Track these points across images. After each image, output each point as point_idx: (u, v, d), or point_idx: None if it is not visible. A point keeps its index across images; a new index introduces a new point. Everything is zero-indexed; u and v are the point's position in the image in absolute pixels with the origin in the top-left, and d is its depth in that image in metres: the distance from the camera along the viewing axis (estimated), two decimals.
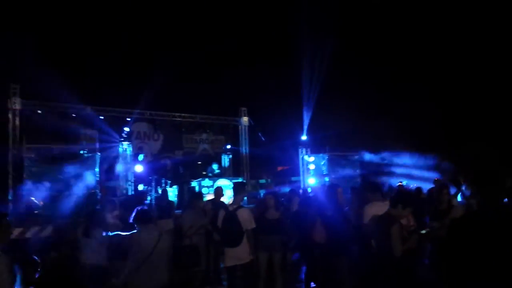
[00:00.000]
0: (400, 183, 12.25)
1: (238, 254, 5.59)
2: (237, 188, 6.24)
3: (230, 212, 5.72)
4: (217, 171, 14.82)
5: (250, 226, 5.64)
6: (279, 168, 19.38)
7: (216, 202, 7.99)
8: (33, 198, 10.96)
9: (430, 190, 8.16)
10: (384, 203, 5.28)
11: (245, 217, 5.65)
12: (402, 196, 4.70)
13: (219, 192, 8.24)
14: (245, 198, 6.61)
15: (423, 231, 4.65)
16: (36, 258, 5.05)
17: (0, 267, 3.24)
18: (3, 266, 3.26)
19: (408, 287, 4.31)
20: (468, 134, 18.55)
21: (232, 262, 5.63)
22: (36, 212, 10.97)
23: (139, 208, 4.49)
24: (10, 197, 11.49)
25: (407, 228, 4.52)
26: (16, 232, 8.93)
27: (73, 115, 14.36)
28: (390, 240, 4.19)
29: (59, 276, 5.72)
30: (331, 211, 5.53)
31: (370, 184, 6.07)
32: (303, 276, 7.19)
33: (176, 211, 10.22)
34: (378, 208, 5.02)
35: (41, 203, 11.15)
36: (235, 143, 17.23)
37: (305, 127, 16.49)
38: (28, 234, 9.40)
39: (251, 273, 6.04)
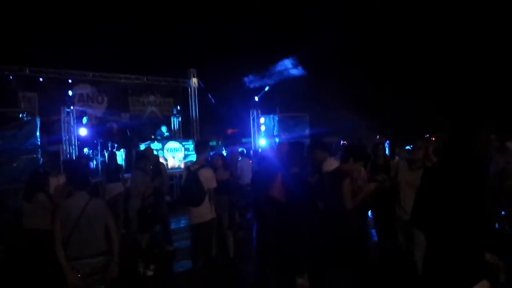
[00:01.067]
0: (344, 142, 12.59)
1: (201, 213, 5.59)
2: (199, 148, 6.14)
3: (192, 172, 5.65)
4: (166, 134, 14.54)
5: (211, 185, 5.62)
6: (230, 131, 19.31)
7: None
8: None
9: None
10: (334, 160, 5.36)
11: (207, 176, 5.61)
12: (353, 150, 4.73)
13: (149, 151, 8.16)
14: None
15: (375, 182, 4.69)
16: None
17: None
18: None
19: (357, 242, 4.40)
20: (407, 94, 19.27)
21: (195, 220, 5.62)
22: None
23: (73, 173, 4.29)
24: None
25: (359, 182, 4.58)
26: None
27: (10, 77, 13.48)
28: (342, 195, 4.25)
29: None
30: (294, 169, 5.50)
31: (320, 143, 6.11)
32: (254, 234, 7.30)
33: (125, 175, 9.99)
34: (329, 165, 5.08)
35: None
36: (185, 105, 16.88)
37: (256, 88, 16.41)
38: None
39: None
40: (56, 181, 6.40)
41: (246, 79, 16.40)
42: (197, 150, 6.14)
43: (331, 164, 5.20)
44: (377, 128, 16.30)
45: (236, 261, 6.50)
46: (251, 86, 16.28)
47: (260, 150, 12.21)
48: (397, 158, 7.64)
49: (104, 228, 3.94)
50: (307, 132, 15.97)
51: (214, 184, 5.66)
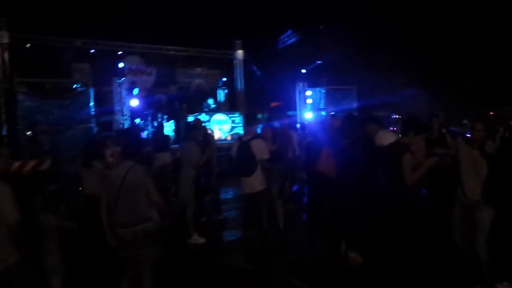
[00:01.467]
0: (396, 116, 12.26)
1: (252, 183, 5.66)
2: (249, 120, 6.20)
3: (244, 142, 5.71)
4: (213, 106, 14.68)
5: (263, 156, 5.66)
6: (273, 104, 19.22)
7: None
8: (29, 133, 10.84)
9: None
10: (388, 132, 5.19)
11: (259, 147, 5.65)
12: (414, 122, 4.56)
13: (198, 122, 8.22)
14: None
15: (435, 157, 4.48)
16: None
17: (5, 195, 3.22)
18: (7, 194, 3.23)
19: (415, 218, 4.30)
20: (468, 67, 18.28)
21: (246, 190, 5.71)
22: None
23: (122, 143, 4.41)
24: (4, 133, 11.36)
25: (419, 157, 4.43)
26: (15, 166, 8.90)
27: (64, 48, 13.95)
28: (401, 169, 4.11)
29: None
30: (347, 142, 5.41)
31: (372, 116, 5.90)
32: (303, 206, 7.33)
33: (173, 146, 10.23)
34: (385, 138, 4.91)
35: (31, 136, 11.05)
36: (231, 77, 16.93)
37: (303, 60, 16.16)
38: (27, 168, 9.37)
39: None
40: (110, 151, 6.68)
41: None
42: (247, 121, 6.18)
43: (386, 137, 5.04)
44: (431, 102, 15.68)
45: (286, 232, 6.52)
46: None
47: (307, 123, 12.09)
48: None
49: (145, 194, 3.97)
50: (354, 105, 15.68)
51: (266, 155, 5.69)
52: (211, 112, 14.04)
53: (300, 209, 7.78)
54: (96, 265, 5.11)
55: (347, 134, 5.32)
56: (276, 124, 8.79)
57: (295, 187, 9.21)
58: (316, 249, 5.87)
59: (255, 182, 5.67)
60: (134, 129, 11.90)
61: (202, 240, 6.55)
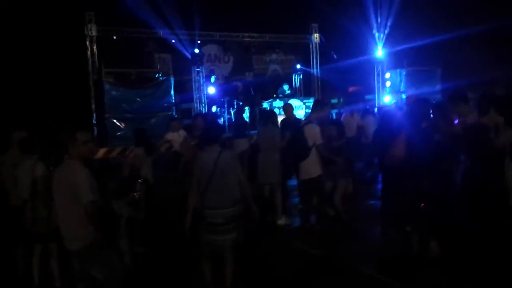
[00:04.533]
0: None
1: (307, 168, 5.64)
2: (315, 106, 6.14)
3: (298, 127, 5.71)
4: (288, 91, 14.65)
5: (316, 141, 5.60)
6: (351, 89, 18.70)
7: (287, 120, 7.87)
8: (115, 121, 11.63)
9: None
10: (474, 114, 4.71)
11: (311, 132, 5.62)
12: (494, 99, 4.10)
13: (288, 108, 8.04)
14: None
15: None
16: None
17: (82, 176, 3.46)
18: (84, 175, 3.47)
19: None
20: None
21: (302, 176, 5.71)
22: (118, 133, 11.68)
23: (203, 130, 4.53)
24: (94, 121, 12.28)
25: None
26: (101, 152, 9.61)
27: (147, 39, 14.65)
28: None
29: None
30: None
31: (463, 96, 5.23)
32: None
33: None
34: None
35: (123, 125, 11.82)
36: (306, 62, 16.73)
37: (382, 41, 15.47)
38: (113, 154, 10.08)
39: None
40: (177, 136, 6.96)
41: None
42: (313, 107, 6.13)
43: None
44: None
45: (349, 221, 6.34)
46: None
47: (383, 107, 11.66)
48: None
49: (236, 178, 4.11)
50: (438, 87, 14.76)
51: (318, 140, 5.60)
52: (286, 97, 14.02)
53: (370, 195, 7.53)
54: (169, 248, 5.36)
55: (420, 118, 5.03)
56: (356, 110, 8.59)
57: (369, 174, 8.99)
58: (389, 236, 5.69)
59: (311, 167, 5.62)
60: (213, 115, 12.28)
61: (289, 221, 6.65)
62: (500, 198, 3.99)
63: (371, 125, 9.13)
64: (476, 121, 4.13)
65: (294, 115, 7.95)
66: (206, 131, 4.41)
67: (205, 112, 13.11)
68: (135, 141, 6.29)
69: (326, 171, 6.01)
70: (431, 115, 5.25)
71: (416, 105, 5.25)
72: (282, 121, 8.14)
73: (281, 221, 6.68)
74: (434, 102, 5.78)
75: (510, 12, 15.58)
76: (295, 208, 7.41)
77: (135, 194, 5.22)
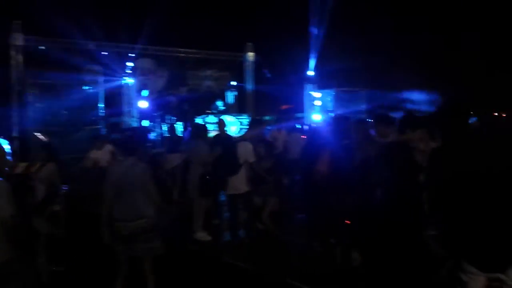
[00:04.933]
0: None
1: (235, 184, 5.72)
2: (251, 124, 6.26)
3: (231, 143, 5.79)
4: (221, 107, 14.76)
5: (249, 159, 5.71)
6: (284, 107, 19.21)
7: (220, 135, 7.90)
8: (37, 134, 11.05)
9: None
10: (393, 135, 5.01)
11: (245, 149, 5.71)
12: (408, 119, 4.45)
13: (222, 123, 8.08)
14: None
15: None
16: None
17: (1, 191, 3.27)
18: (3, 190, 3.28)
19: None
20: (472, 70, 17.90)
21: (230, 191, 5.78)
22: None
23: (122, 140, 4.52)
24: (16, 134, 11.57)
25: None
26: (21, 166, 9.06)
27: (76, 51, 14.15)
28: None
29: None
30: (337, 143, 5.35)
31: (383, 117, 5.53)
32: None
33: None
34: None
35: (47, 139, 11.24)
36: (240, 79, 16.98)
37: (313, 63, 16.10)
38: (33, 169, 9.52)
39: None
40: (102, 154, 6.83)
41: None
42: (250, 125, 6.27)
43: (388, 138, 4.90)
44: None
45: (278, 234, 6.48)
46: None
47: (312, 125, 12.09)
48: None
49: (145, 191, 4.11)
50: (363, 107, 15.58)
51: (251, 158, 5.73)
52: (220, 113, 14.12)
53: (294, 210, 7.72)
54: (89, 266, 5.18)
55: (341, 135, 5.29)
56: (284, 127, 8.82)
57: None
58: (314, 249, 5.88)
59: (239, 183, 5.73)
60: (139, 129, 12.08)
61: (208, 238, 6.61)
62: (414, 213, 4.26)
63: (297, 142, 9.40)
64: (392, 140, 4.42)
65: (225, 131, 8.00)
66: (124, 143, 4.39)
67: (133, 127, 12.86)
68: (45, 155, 6.05)
69: (257, 189, 6.13)
70: (352, 132, 5.55)
71: (337, 122, 5.51)
72: (214, 136, 8.19)
73: (197, 236, 6.63)
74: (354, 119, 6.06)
75: (432, 35, 16.92)
76: (224, 223, 7.43)
77: (55, 209, 5.02)
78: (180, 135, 12.52)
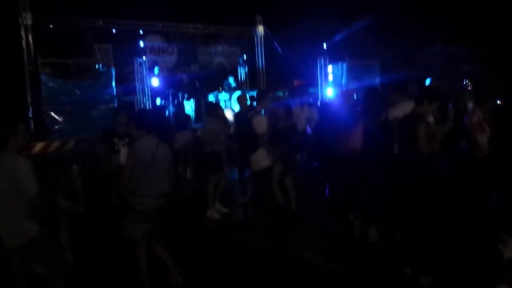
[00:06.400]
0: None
1: (257, 159, 5.70)
2: (259, 97, 6.21)
3: (247, 118, 5.76)
4: (233, 84, 14.65)
5: (260, 130, 5.69)
6: (296, 82, 19.03)
7: (240, 111, 7.82)
8: (52, 113, 11.11)
9: None
10: (409, 103, 4.99)
11: (257, 122, 5.69)
12: (427, 91, 4.47)
13: (242, 99, 8.01)
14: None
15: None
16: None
17: (26, 167, 3.31)
18: (28, 166, 3.32)
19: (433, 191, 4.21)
20: None
21: (253, 167, 5.76)
22: (56, 127, 11.17)
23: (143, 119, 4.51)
24: (30, 114, 11.64)
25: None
26: (38, 147, 9.15)
27: (86, 29, 14.07)
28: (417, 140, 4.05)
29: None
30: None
31: (396, 83, 5.62)
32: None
33: (195, 125, 10.29)
34: (403, 109, 4.78)
35: (61, 118, 11.32)
36: (251, 55, 16.81)
37: (324, 35, 15.85)
38: (50, 149, 9.63)
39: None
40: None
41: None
42: (257, 98, 6.22)
43: (403, 108, 4.89)
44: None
45: (298, 210, 6.51)
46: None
47: (327, 100, 11.99)
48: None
49: (167, 171, 4.20)
50: (377, 80, 15.35)
51: (262, 130, 5.70)
52: (232, 90, 14.03)
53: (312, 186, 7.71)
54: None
55: (370, 109, 5.20)
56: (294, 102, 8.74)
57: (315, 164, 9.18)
58: (332, 224, 5.89)
59: (261, 158, 5.71)
60: (157, 108, 12.07)
61: (218, 216, 6.67)
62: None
63: (315, 117, 9.35)
64: (411, 111, 4.38)
65: (247, 106, 7.91)
66: (141, 120, 4.38)
67: (150, 106, 12.84)
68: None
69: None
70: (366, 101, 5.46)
71: (371, 97, 5.39)
72: (236, 113, 8.16)
73: (208, 213, 6.71)
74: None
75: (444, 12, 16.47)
76: (240, 200, 7.49)
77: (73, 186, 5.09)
78: (190, 112, 12.54)
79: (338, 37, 15.87)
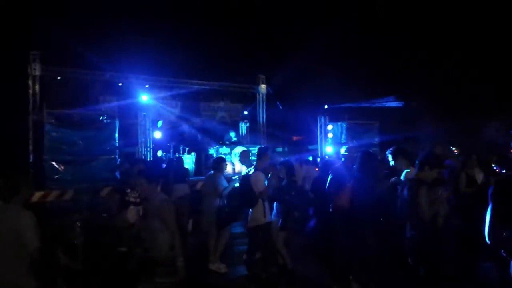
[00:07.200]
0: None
1: (254, 215, 5.73)
2: (259, 154, 6.31)
3: (245, 175, 5.85)
4: (234, 138, 14.83)
5: (258, 189, 5.76)
6: (295, 138, 19.28)
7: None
8: (53, 163, 11.15)
9: None
10: (412, 169, 5.14)
11: (255, 180, 5.77)
12: (428, 157, 4.59)
13: (245, 154, 8.24)
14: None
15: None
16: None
17: (29, 221, 3.31)
18: (31, 221, 3.32)
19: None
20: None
21: (250, 223, 5.78)
22: (56, 176, 11.18)
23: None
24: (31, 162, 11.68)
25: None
26: (37, 195, 9.13)
27: (93, 81, 14.43)
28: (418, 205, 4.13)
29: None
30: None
31: (402, 150, 5.82)
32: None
33: (193, 178, 10.32)
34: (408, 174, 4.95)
35: (62, 167, 11.34)
36: (253, 111, 17.14)
37: (325, 97, 16.28)
38: (49, 198, 9.61)
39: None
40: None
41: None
42: (258, 156, 6.33)
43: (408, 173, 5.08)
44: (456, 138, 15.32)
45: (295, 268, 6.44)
46: None
47: (326, 157, 12.11)
48: None
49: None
50: (376, 140, 15.59)
51: (259, 188, 5.76)
52: (232, 144, 14.18)
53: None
54: None
55: (365, 169, 5.33)
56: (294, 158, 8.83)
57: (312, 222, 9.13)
58: (330, 285, 5.78)
59: (257, 214, 5.75)
60: (157, 160, 12.17)
61: (223, 269, 6.63)
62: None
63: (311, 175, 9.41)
64: (413, 176, 4.50)
65: (250, 161, 8.15)
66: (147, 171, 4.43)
67: (151, 158, 12.95)
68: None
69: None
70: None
71: (366, 158, 5.53)
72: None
73: (213, 266, 6.76)
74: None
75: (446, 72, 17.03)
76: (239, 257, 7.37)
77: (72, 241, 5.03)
78: (190, 165, 12.61)
79: (338, 97, 16.28)
